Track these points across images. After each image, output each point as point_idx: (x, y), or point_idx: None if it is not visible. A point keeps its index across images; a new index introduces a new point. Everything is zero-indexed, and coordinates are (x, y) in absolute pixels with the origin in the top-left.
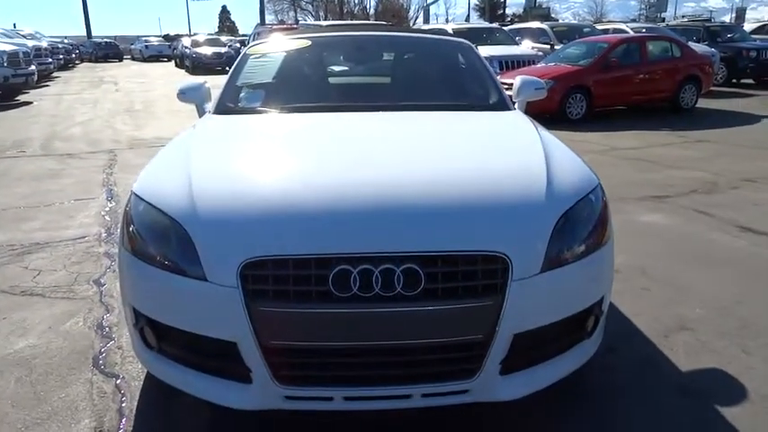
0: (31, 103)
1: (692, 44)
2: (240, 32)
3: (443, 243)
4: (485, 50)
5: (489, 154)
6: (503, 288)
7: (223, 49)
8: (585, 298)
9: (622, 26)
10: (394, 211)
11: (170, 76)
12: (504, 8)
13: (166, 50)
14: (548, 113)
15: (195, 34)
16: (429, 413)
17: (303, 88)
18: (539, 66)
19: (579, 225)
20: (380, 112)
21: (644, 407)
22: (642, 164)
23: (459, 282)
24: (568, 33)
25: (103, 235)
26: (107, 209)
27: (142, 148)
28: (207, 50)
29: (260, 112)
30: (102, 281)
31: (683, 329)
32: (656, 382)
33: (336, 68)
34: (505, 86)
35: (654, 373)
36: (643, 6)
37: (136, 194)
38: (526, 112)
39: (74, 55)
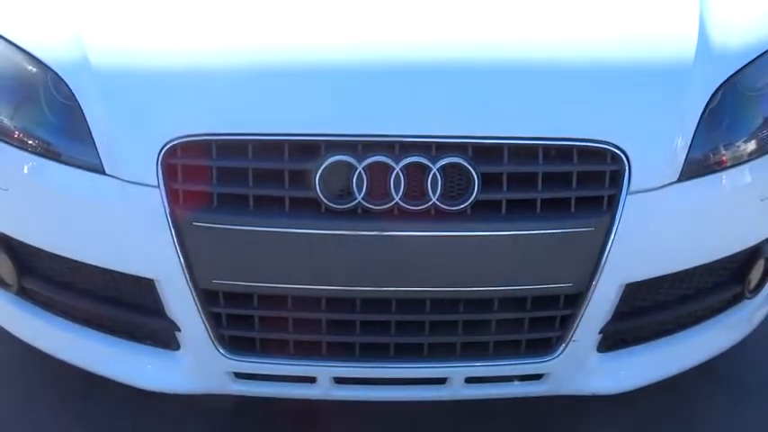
0: None
1: None
2: None
3: (513, 124)
4: None
5: None
6: (612, 205)
7: None
8: (751, 229)
9: None
10: (428, 67)
11: None
12: None
13: None
14: None
15: None
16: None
17: None
18: None
19: (750, 104)
20: None
21: None
22: None
23: (538, 191)
24: None
25: None
26: None
27: None
28: None
29: None
30: None
31: None
32: None
33: None
34: None
35: None
36: None
37: None
38: None
39: None
